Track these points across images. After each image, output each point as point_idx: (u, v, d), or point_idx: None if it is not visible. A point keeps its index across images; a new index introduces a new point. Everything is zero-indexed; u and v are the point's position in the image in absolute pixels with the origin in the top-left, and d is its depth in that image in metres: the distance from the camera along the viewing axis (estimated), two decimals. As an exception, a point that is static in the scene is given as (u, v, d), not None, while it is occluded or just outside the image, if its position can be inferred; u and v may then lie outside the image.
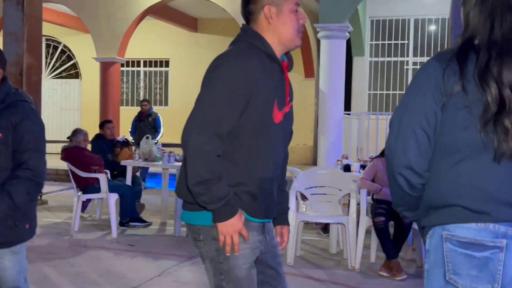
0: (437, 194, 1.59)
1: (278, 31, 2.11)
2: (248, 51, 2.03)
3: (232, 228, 1.98)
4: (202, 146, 1.91)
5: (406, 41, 13.26)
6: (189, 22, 14.35)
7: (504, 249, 1.48)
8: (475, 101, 1.48)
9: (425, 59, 13.01)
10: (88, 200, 7.14)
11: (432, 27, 13.12)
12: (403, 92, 10.90)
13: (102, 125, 8.01)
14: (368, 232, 5.32)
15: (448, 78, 1.51)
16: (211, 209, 1.96)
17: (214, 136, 1.91)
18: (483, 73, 1.47)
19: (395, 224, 5.15)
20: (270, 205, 2.14)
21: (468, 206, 1.51)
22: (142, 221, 6.86)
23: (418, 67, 13.07)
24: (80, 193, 6.55)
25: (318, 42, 8.98)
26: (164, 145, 8.90)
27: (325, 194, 5.55)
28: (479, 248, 1.50)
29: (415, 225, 5.11)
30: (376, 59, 13.40)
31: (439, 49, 12.80)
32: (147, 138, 7.24)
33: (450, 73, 1.51)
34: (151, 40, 14.67)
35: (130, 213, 6.77)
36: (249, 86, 1.95)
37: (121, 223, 6.72)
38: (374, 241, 5.41)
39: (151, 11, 11.61)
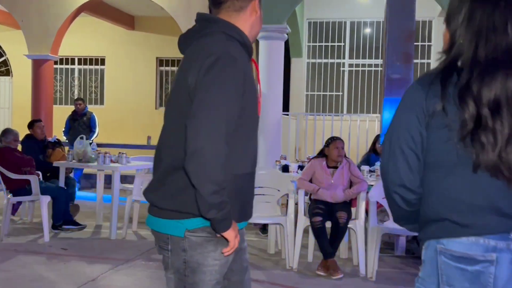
0: (429, 208, 1.67)
1: (255, 25, 2.10)
2: (231, 42, 1.96)
3: (235, 231, 1.94)
4: (218, 154, 1.80)
5: (342, 43, 13.49)
6: (126, 20, 14.09)
7: (494, 263, 1.55)
8: (454, 120, 1.56)
9: (360, 61, 13.30)
10: (19, 203, 6.89)
11: (368, 30, 13.41)
12: (340, 93, 11.14)
13: (31, 124, 7.73)
14: (305, 232, 5.37)
15: (430, 100, 1.60)
16: (221, 217, 1.86)
17: (224, 142, 1.82)
18: (462, 92, 1.55)
19: (332, 224, 5.22)
20: (245, 205, 2.07)
21: (456, 220, 1.59)
22: (76, 224, 6.68)
23: (354, 69, 13.35)
24: (10, 195, 6.29)
25: (256, 43, 9.01)
26: (99, 145, 8.71)
27: (263, 194, 5.56)
28: (471, 261, 1.57)
29: (351, 225, 5.20)
30: (313, 60, 13.57)
31: (374, 51, 13.13)
32: (82, 138, 7.05)
33: (431, 95, 1.60)
34: (86, 38, 14.30)
35: (63, 216, 6.57)
36: (244, 80, 1.90)
37: (54, 226, 6.52)
38: (312, 240, 5.47)
39: (86, 7, 11.32)
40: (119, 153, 6.90)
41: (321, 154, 5.53)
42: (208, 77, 1.84)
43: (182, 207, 1.93)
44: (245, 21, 2.06)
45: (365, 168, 6.19)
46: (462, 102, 1.55)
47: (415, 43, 8.38)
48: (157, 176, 2.02)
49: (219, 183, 1.81)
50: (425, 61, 12.77)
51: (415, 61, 11.07)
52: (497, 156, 1.53)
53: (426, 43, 12.79)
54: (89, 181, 10.33)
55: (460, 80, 1.57)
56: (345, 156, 5.51)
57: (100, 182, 7.19)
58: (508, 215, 1.57)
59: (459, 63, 1.62)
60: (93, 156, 6.87)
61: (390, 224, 5.11)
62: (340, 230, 5.16)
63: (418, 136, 1.63)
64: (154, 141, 11.98)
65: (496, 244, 1.56)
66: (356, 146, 10.55)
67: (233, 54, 1.89)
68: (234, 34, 1.99)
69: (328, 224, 5.22)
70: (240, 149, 1.97)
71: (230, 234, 1.91)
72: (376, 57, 13.09)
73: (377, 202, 5.27)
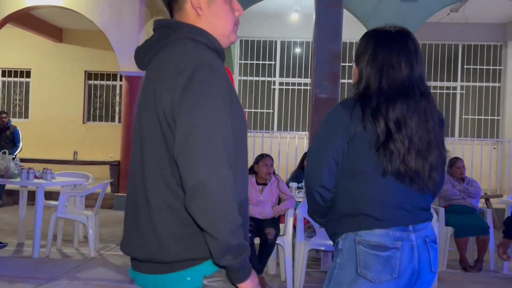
0: (347, 205, 2.06)
1: (211, 25, 1.71)
2: (201, 49, 1.63)
3: (255, 282, 1.59)
4: (225, 183, 1.48)
5: (273, 62, 13.72)
6: (54, 32, 13.75)
7: (400, 249, 1.99)
8: (372, 135, 1.99)
9: (290, 79, 13.56)
10: None
11: (297, 50, 13.71)
12: (271, 110, 11.25)
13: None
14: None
15: (354, 121, 2.00)
16: (238, 264, 1.52)
17: (228, 167, 1.51)
18: (375, 113, 1.99)
19: (260, 240, 5.27)
20: (246, 237, 1.70)
21: (371, 215, 2.00)
22: (-3, 242, 6.41)
23: (284, 87, 13.58)
24: None
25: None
26: (23, 160, 8.41)
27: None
28: (383, 249, 1.98)
29: (279, 240, 5.27)
30: (245, 78, 13.71)
31: (303, 71, 13.42)
32: (4, 153, 6.80)
33: (354, 117, 2.00)
34: (11, 49, 13.84)
35: (-17, 234, 6.30)
36: (229, 92, 1.60)
37: (-28, 245, 6.23)
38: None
39: (12, 18, 10.98)
40: (44, 168, 6.70)
41: (251, 170, 5.59)
42: (187, 98, 1.51)
43: (193, 252, 1.57)
44: (206, 25, 1.71)
45: (293, 185, 6.30)
46: (375, 120, 1.99)
47: (342, 64, 8.65)
48: (144, 224, 1.60)
49: (234, 218, 1.49)
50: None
51: (342, 81, 11.37)
52: (401, 163, 1.97)
53: (353, 64, 13.18)
54: (11, 197, 9.95)
55: (372, 103, 2.01)
56: (274, 173, 5.59)
57: (23, 198, 6.95)
58: (409, 211, 2.03)
59: (370, 91, 2.07)
60: (16, 171, 6.64)
61: (317, 240, 5.22)
62: (268, 246, 5.22)
63: (340, 150, 2.03)
64: (81, 156, 11.74)
65: (400, 234, 2.00)
66: (286, 163, 10.71)
67: (209, 63, 1.56)
68: (203, 40, 1.66)
69: (257, 240, 5.27)
70: (238, 171, 1.63)
71: (248, 286, 1.56)
72: (306, 76, 13.39)
73: (304, 218, 5.37)
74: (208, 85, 1.52)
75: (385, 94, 2.02)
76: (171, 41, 1.65)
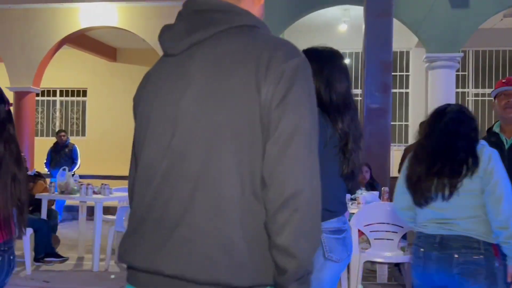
0: None
1: (259, 14, 1.53)
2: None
3: None
4: (317, 197, 1.33)
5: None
6: (108, 52, 14.19)
7: (348, 230, 2.37)
8: (335, 141, 2.28)
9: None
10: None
11: (347, 60, 13.66)
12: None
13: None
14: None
15: (328, 128, 2.27)
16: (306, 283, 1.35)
17: (319, 181, 1.35)
18: (334, 122, 2.30)
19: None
20: None
21: (331, 209, 2.26)
22: (58, 256, 6.63)
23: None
24: (-9, 228, 6.24)
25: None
26: (81, 176, 8.68)
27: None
28: (339, 232, 2.32)
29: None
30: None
31: (353, 82, 13.32)
32: (64, 170, 7.04)
33: (329, 126, 2.28)
34: (68, 69, 14.36)
35: (45, 248, 6.52)
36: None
37: (36, 259, 6.46)
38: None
39: (68, 40, 11.40)
40: (102, 184, 6.90)
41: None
42: (293, 92, 1.29)
43: (266, 277, 1.33)
44: (257, 14, 1.50)
45: (347, 196, 6.25)
46: (335, 128, 2.28)
47: (393, 73, 8.57)
48: (218, 242, 1.30)
49: (318, 238, 1.34)
50: (403, 90, 13.00)
51: (393, 90, 11.27)
52: (350, 165, 2.31)
53: (404, 73, 13.04)
54: (71, 213, 10.26)
55: (331, 115, 2.31)
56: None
57: (83, 214, 7.16)
58: (345, 203, 2.42)
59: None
60: (75, 187, 6.86)
61: (372, 252, 5.17)
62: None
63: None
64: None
65: (345, 220, 2.36)
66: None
67: (305, 58, 1.36)
68: (267, 31, 1.44)
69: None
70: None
71: None
72: (356, 87, 13.30)
73: (359, 230, 5.33)
74: (309, 84, 1.34)
75: (335, 106, 2.33)
76: (237, 27, 1.39)
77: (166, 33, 1.49)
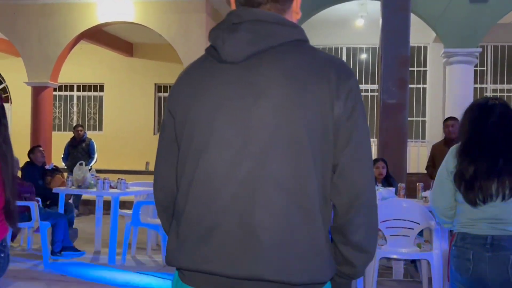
0: None
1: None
2: None
3: None
4: (376, 198, 1.56)
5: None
6: (125, 47, 14.25)
7: None
8: None
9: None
10: (18, 229, 6.89)
11: (363, 56, 13.57)
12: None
13: (31, 150, 7.81)
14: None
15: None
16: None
17: None
18: None
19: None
20: None
21: None
22: (75, 250, 6.68)
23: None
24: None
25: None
26: (97, 171, 8.74)
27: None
28: None
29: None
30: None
31: (370, 77, 13.27)
32: (81, 164, 7.09)
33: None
34: (85, 65, 14.45)
35: (62, 242, 6.58)
36: None
37: (53, 253, 6.52)
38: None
39: (85, 35, 11.47)
40: (118, 179, 6.94)
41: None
42: (358, 108, 1.46)
43: (334, 270, 1.50)
44: None
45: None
46: None
47: (410, 68, 8.50)
48: (304, 242, 1.41)
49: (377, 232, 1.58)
50: (421, 86, 12.91)
51: (411, 86, 11.20)
52: None
53: (422, 68, 12.93)
54: (88, 207, 10.34)
55: None
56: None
57: (99, 208, 7.21)
58: None
59: None
60: (92, 182, 6.91)
61: (388, 248, 5.14)
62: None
63: None
64: (152, 167, 12.06)
65: None
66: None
67: None
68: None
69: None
70: None
71: None
72: (372, 82, 13.23)
73: (375, 226, 5.29)
74: (361, 99, 1.51)
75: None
76: (293, 41, 1.47)
77: (227, 40, 1.46)
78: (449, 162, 2.74)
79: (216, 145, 1.43)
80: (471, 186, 2.62)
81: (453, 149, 2.74)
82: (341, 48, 13.58)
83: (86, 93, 15.17)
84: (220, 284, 1.42)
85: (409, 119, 9.05)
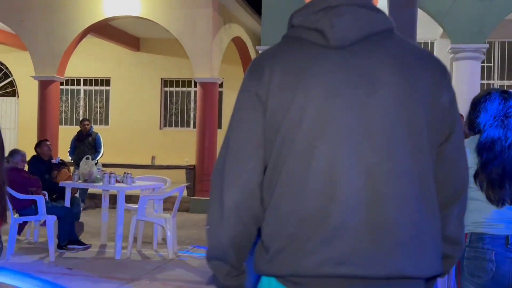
0: None
1: None
2: None
3: None
4: None
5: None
6: (131, 41, 14.26)
7: None
8: None
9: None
10: (25, 223, 6.94)
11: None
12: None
13: (38, 144, 7.85)
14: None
15: None
16: None
17: None
18: None
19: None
20: None
21: None
22: (81, 243, 6.72)
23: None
24: (16, 215, 6.36)
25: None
26: (104, 165, 8.78)
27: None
28: None
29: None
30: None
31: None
32: (87, 158, 7.13)
33: None
34: (92, 59, 14.47)
35: (68, 236, 6.62)
36: None
37: (59, 246, 6.57)
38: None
39: (92, 29, 11.48)
40: (124, 173, 6.97)
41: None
42: (455, 98, 1.46)
43: None
44: None
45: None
46: None
47: (417, 64, 8.48)
48: (429, 237, 1.36)
49: None
50: (428, 81, 12.85)
51: (417, 81, 11.16)
52: None
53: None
54: (94, 201, 10.39)
55: None
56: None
57: (105, 202, 7.24)
58: None
59: None
60: (98, 176, 6.94)
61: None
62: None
63: None
64: (158, 161, 12.09)
65: None
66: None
67: None
68: None
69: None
70: None
71: None
72: (379, 78, 13.19)
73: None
74: None
75: None
76: (390, 32, 1.42)
77: (336, 23, 1.36)
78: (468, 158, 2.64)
79: (335, 135, 1.32)
80: (500, 185, 2.49)
81: (470, 143, 2.57)
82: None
83: (92, 87, 15.20)
84: (350, 287, 1.31)
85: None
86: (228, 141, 1.41)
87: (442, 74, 1.41)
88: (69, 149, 10.41)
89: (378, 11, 1.42)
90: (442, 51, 12.15)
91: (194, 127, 12.89)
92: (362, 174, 1.30)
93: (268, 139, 1.37)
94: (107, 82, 15.02)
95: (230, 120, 1.42)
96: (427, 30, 11.45)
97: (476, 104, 2.66)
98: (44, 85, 11.39)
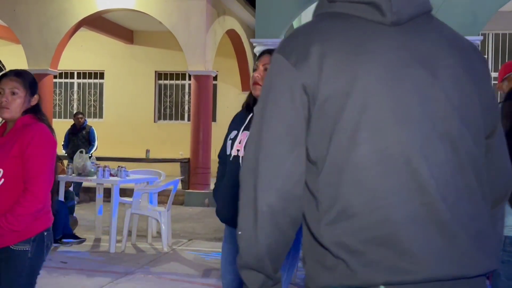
0: None
1: None
2: None
3: None
4: None
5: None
6: (125, 34, 14.20)
7: None
8: None
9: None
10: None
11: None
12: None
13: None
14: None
15: None
16: None
17: None
18: None
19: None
20: None
21: None
22: (75, 237, 6.71)
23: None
24: (10, 209, 6.33)
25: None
26: (98, 158, 8.75)
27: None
28: None
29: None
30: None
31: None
32: (81, 152, 7.10)
33: None
34: (86, 52, 14.40)
35: (63, 230, 6.61)
36: None
37: (54, 240, 6.55)
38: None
39: (85, 22, 11.42)
40: (119, 166, 6.95)
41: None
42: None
43: None
44: None
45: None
46: None
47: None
48: (487, 234, 1.24)
49: None
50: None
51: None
52: None
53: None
54: (88, 194, 10.37)
55: None
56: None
57: (100, 196, 7.23)
58: None
59: None
60: (92, 169, 6.92)
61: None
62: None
63: None
64: (153, 154, 12.07)
65: None
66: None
67: None
68: None
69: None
70: None
71: None
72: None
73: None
74: None
75: None
76: (432, 15, 1.33)
77: None
78: None
79: (408, 121, 1.18)
80: None
81: None
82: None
83: (86, 81, 15.15)
84: None
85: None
86: (259, 137, 1.23)
87: (485, 61, 1.33)
88: (62, 143, 10.37)
89: None
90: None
91: (189, 120, 12.86)
92: (432, 165, 1.17)
93: (317, 132, 1.20)
94: (101, 75, 14.97)
95: (262, 112, 1.24)
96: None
97: None
98: (37, 78, 11.14)
